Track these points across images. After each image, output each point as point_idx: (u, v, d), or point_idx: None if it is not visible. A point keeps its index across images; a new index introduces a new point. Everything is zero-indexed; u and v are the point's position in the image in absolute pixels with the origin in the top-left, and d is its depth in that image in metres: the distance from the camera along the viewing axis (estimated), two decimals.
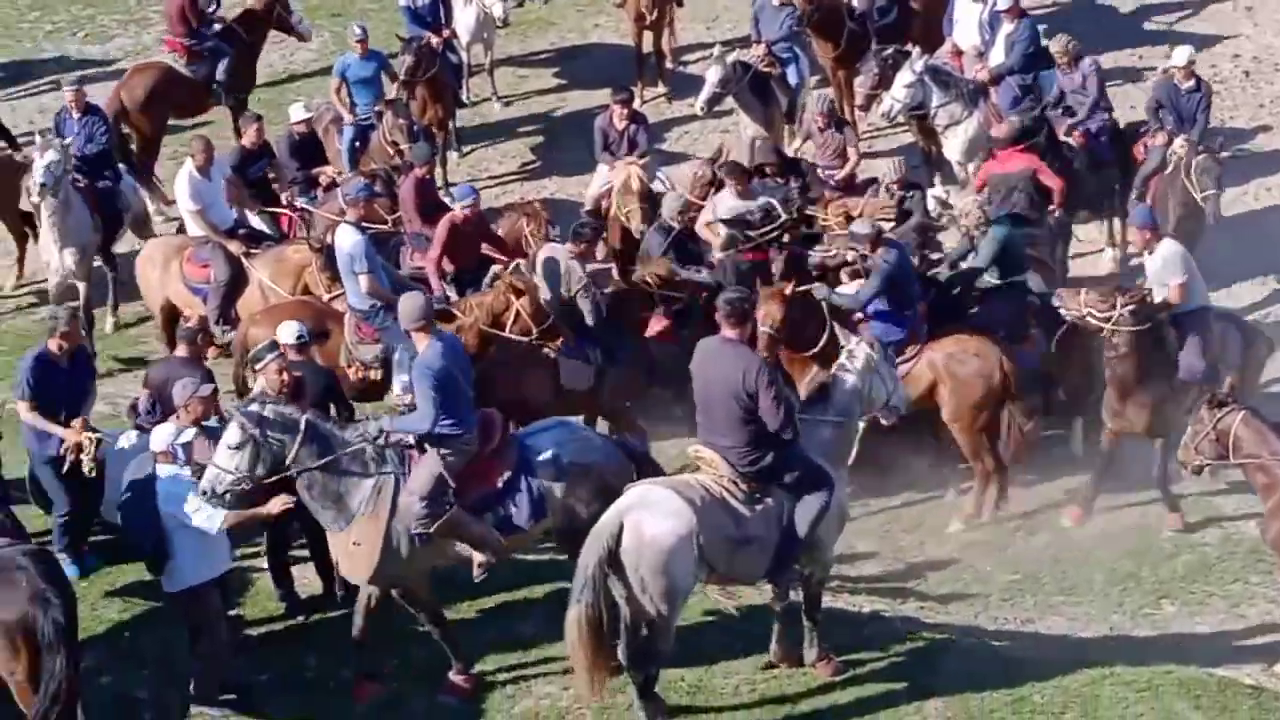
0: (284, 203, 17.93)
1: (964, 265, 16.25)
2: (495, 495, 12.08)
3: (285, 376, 13.13)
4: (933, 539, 15.46)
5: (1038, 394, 15.98)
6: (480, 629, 13.07)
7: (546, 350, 15.47)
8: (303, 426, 11.80)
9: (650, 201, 17.51)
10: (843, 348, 12.55)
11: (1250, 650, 13.37)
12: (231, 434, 11.76)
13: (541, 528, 12.28)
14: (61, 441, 13.38)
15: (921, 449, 15.97)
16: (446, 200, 17.89)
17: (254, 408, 11.87)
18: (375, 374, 15.78)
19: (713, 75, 19.34)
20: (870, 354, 12.34)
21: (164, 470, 12.23)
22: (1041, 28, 19.48)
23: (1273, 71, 22.00)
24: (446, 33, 20.72)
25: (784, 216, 16.50)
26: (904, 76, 18.54)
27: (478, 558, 12.11)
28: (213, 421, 12.61)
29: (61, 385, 13.47)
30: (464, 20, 21.39)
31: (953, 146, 18.77)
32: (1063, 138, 18.23)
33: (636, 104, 19.66)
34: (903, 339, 15.29)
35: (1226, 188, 18.05)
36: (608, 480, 12.13)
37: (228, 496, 11.81)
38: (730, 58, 19.39)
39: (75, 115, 18.44)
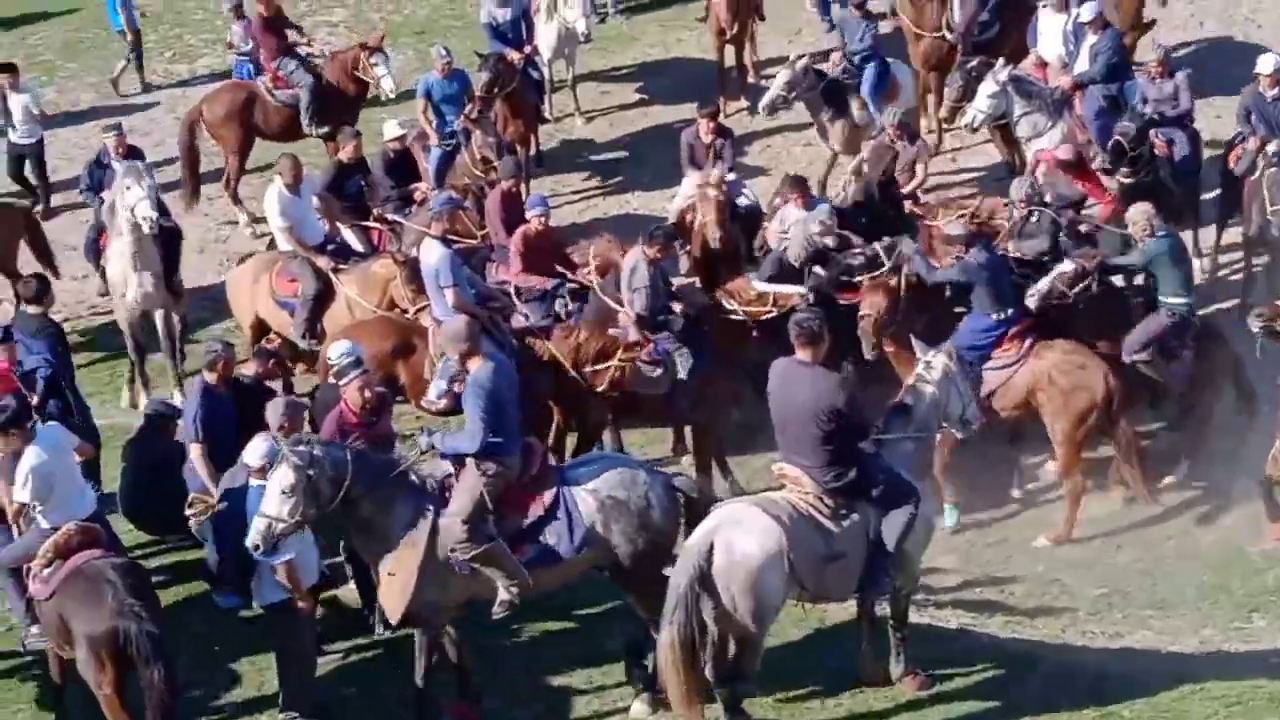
0: (374, 216, 18.05)
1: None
2: (535, 524, 11.95)
3: (368, 394, 13.10)
4: (1019, 553, 15.37)
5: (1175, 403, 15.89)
6: (566, 644, 13.11)
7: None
8: (351, 463, 11.66)
9: (731, 213, 17.47)
10: (920, 359, 12.48)
11: None
12: (284, 477, 11.51)
13: (583, 560, 12.11)
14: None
15: (1006, 462, 15.94)
16: None
17: (303, 448, 11.62)
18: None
19: (780, 79, 19.38)
20: (948, 364, 12.26)
21: (256, 482, 12.29)
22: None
23: None
24: (528, 49, 20.78)
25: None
26: (987, 87, 18.43)
27: (503, 595, 11.96)
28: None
29: (224, 415, 13.55)
30: (546, 36, 21.43)
31: None
32: None
33: (721, 118, 19.65)
34: (994, 340, 15.23)
35: None
36: (650, 517, 11.99)
37: (279, 545, 11.71)
38: (801, 64, 19.39)
39: (118, 157, 18.66)
